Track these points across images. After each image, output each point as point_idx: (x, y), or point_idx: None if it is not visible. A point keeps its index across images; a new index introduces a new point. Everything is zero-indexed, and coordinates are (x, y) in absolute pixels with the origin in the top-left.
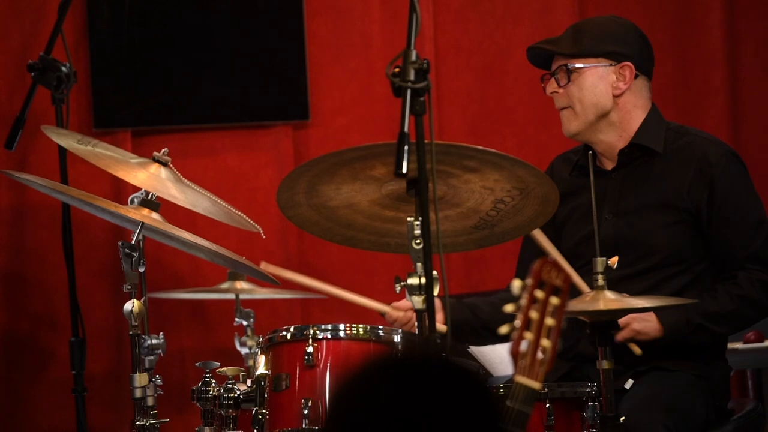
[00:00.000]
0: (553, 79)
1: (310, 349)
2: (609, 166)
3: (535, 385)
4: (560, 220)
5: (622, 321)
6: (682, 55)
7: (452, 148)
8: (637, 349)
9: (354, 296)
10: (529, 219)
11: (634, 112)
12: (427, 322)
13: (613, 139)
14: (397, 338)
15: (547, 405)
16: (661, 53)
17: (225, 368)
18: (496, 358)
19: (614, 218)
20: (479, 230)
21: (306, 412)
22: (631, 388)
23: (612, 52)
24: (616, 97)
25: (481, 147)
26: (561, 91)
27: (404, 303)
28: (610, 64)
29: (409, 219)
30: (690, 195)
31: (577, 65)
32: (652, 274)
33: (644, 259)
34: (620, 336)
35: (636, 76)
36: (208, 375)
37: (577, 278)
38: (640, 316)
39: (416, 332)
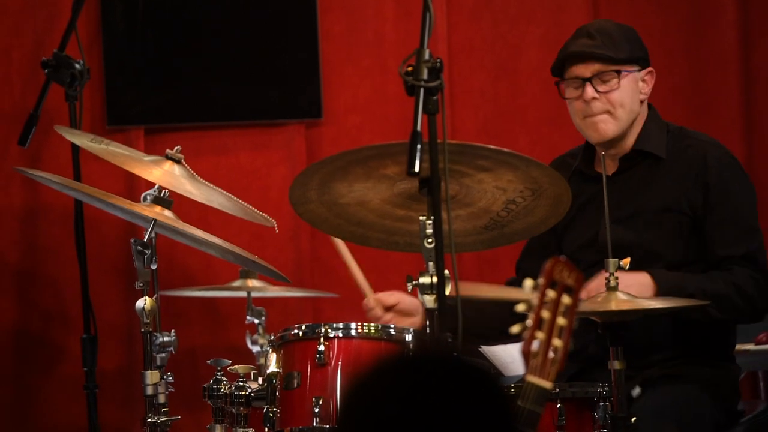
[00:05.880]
0: (590, 86)
1: (321, 348)
2: (611, 170)
3: (547, 384)
4: (562, 226)
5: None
6: (695, 56)
7: (467, 147)
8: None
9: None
10: (539, 220)
11: (642, 114)
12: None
13: (630, 142)
14: (408, 337)
15: (558, 405)
16: (675, 54)
17: (236, 366)
18: (508, 357)
19: (613, 224)
20: (489, 230)
21: (317, 410)
22: (638, 398)
23: (640, 57)
24: (641, 102)
25: (496, 147)
26: (599, 96)
27: (388, 299)
28: (639, 70)
29: (421, 218)
30: (687, 197)
31: (624, 70)
32: None
33: (643, 266)
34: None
35: None
36: (219, 373)
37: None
38: (633, 279)
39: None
